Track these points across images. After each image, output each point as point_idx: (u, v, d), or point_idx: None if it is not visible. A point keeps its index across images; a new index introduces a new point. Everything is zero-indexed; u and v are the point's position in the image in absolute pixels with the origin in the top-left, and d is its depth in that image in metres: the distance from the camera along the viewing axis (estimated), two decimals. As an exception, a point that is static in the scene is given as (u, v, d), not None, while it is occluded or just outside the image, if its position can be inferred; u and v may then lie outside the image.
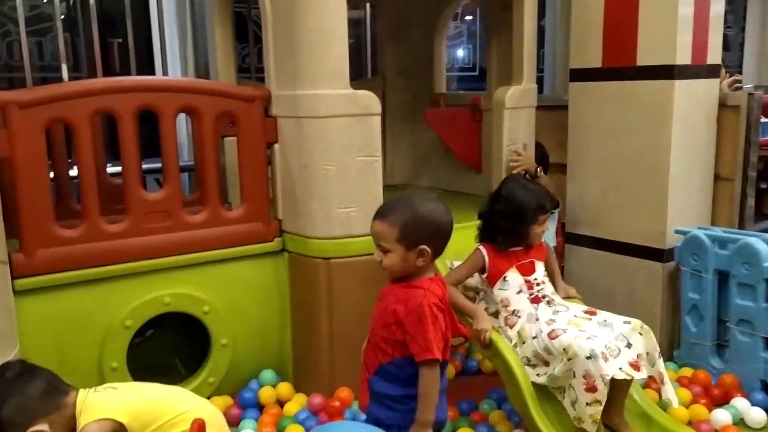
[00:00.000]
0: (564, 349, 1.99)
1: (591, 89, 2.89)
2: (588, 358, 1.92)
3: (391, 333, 1.71)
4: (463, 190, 3.34)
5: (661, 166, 2.71)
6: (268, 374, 2.60)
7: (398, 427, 1.73)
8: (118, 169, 2.33)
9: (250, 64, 3.84)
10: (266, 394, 2.53)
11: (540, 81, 3.00)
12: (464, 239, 2.59)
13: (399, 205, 1.73)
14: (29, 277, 2.11)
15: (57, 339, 2.17)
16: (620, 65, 2.78)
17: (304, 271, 2.52)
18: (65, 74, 3.11)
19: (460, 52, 5.07)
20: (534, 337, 2.10)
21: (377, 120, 2.44)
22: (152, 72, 3.48)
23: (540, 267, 2.26)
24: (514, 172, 2.77)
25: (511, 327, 2.18)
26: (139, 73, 3.36)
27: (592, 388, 1.92)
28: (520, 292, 2.20)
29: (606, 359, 1.93)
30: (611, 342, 1.99)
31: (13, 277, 2.07)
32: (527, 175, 2.78)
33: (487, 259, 2.23)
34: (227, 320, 2.48)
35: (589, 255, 2.98)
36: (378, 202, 2.49)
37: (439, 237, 1.73)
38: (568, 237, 3.05)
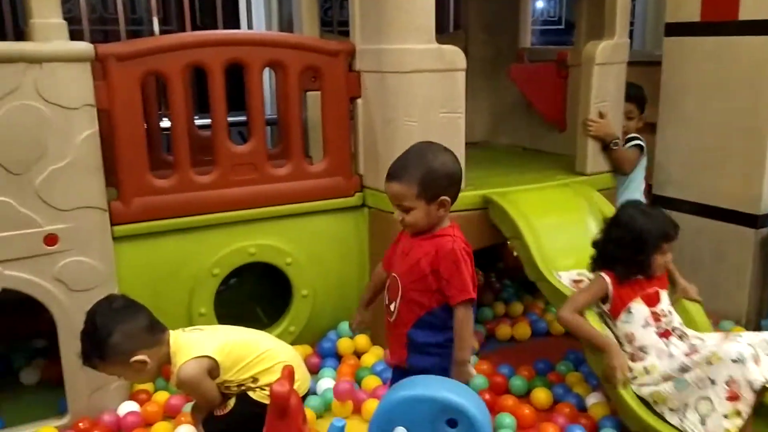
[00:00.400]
0: (707, 358, 1.83)
1: (687, 45, 2.75)
2: (735, 361, 1.76)
3: (426, 285, 1.75)
4: (544, 148, 3.28)
5: (759, 128, 2.57)
6: (346, 326, 2.66)
7: (444, 370, 1.78)
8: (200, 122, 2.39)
9: (332, 18, 3.83)
10: (344, 344, 2.60)
11: (630, 35, 2.87)
12: (545, 198, 2.56)
13: (411, 162, 1.74)
14: (126, 225, 2.21)
15: (151, 284, 2.28)
16: (720, 19, 2.63)
17: (384, 226, 2.54)
18: (156, 27, 3.20)
19: (540, 3, 4.89)
20: (665, 371, 1.95)
21: (462, 76, 2.40)
22: (237, 25, 3.52)
23: (665, 297, 2.09)
24: (591, 136, 2.69)
25: (636, 362, 2.01)
26: (224, 27, 3.41)
27: (734, 397, 1.76)
28: (646, 325, 2.03)
29: (757, 362, 1.76)
30: (756, 348, 1.81)
31: (112, 224, 2.18)
32: (609, 145, 2.71)
33: (610, 287, 2.08)
34: (308, 272, 2.55)
35: (675, 218, 2.87)
36: (460, 159, 2.48)
37: (454, 185, 1.78)
38: (654, 199, 2.95)
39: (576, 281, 2.24)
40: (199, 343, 1.81)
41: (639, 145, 2.85)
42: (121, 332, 1.72)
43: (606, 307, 2.11)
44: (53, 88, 1.94)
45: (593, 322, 2.05)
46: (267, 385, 1.82)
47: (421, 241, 1.77)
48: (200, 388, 1.78)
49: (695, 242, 2.81)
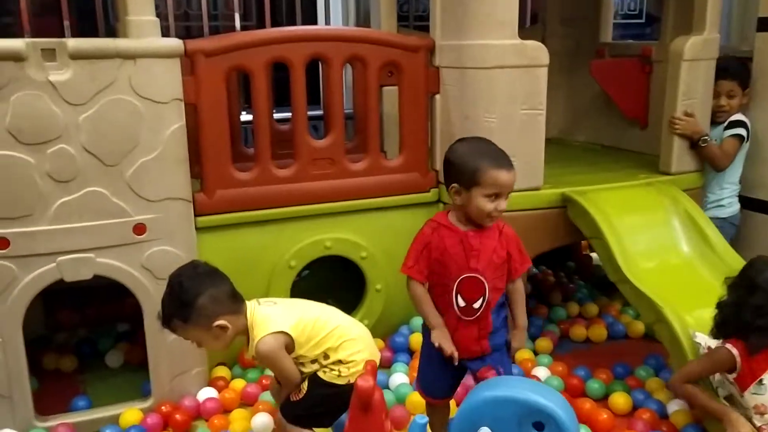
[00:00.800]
0: None
1: (782, 40, 2.62)
2: None
3: (504, 269, 1.79)
4: (623, 146, 3.19)
5: None
6: (418, 321, 2.65)
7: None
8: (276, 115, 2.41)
9: (408, 12, 3.83)
10: (416, 339, 2.59)
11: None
12: (628, 197, 2.50)
13: (502, 151, 1.78)
14: (209, 216, 2.27)
15: (230, 274, 2.26)
16: (820, 13, 2.49)
17: (459, 223, 2.52)
18: (237, 23, 3.26)
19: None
20: None
21: (544, 72, 2.36)
22: (315, 20, 3.56)
23: None
24: (677, 134, 2.60)
25: None
26: (302, 22, 3.45)
27: None
28: None
29: None
30: None
31: (196, 215, 2.23)
32: (698, 142, 2.60)
33: (739, 360, 1.89)
34: (383, 266, 2.56)
35: (765, 222, 2.76)
36: (540, 157, 2.45)
37: None
38: (742, 201, 2.82)
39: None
40: (276, 319, 1.81)
41: (739, 135, 2.68)
42: (207, 295, 1.74)
43: (731, 377, 1.93)
44: (146, 83, 2.00)
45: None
46: (336, 363, 1.83)
47: (485, 232, 1.77)
48: (279, 362, 1.79)
49: (785, 247, 2.69)
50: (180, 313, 1.75)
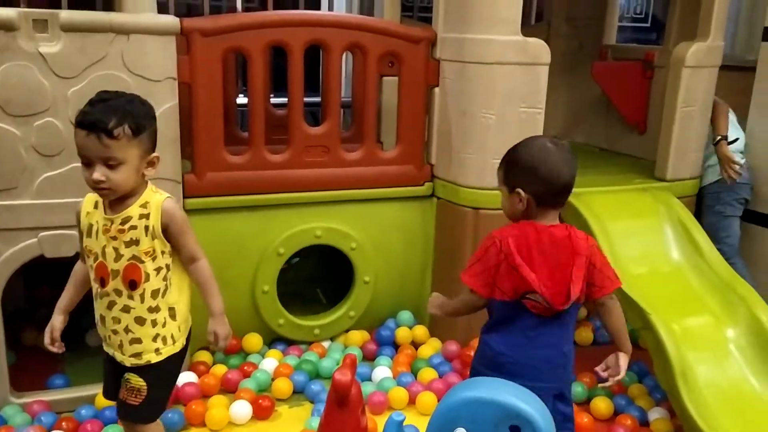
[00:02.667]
0: None
1: (787, 51, 2.59)
2: None
3: None
4: (621, 150, 3.17)
5: None
6: (405, 315, 2.65)
7: None
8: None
9: (413, 3, 3.79)
10: (402, 334, 2.57)
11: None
12: (621, 202, 2.48)
13: None
14: (198, 198, 2.24)
15: (219, 258, 2.26)
16: (827, 25, 2.47)
17: (452, 219, 2.50)
18: (239, 4, 3.22)
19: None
20: None
21: (545, 70, 2.33)
22: (318, 6, 3.51)
23: None
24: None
25: None
26: (305, 8, 3.41)
27: None
28: None
29: None
30: None
31: (184, 197, 2.20)
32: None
33: None
34: (372, 258, 2.53)
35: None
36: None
37: None
38: (747, 215, 2.79)
39: None
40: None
41: None
42: (153, 123, 1.56)
43: None
44: (139, 60, 1.96)
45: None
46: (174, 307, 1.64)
47: None
48: (188, 224, 1.61)
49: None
50: (138, 121, 1.50)
